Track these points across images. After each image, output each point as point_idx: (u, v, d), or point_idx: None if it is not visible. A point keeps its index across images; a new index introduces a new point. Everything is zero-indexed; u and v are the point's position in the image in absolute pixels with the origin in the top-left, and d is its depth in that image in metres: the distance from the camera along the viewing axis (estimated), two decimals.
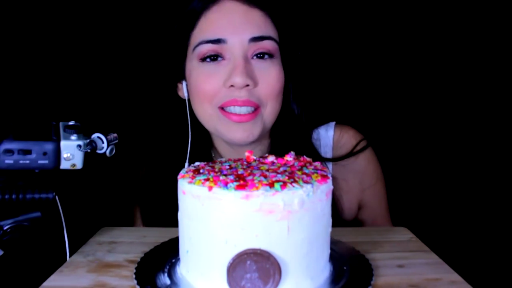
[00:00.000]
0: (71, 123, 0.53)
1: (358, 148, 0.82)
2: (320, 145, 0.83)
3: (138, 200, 0.85)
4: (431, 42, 1.60)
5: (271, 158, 0.52)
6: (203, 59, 0.71)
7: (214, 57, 0.71)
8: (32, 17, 1.33)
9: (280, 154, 0.55)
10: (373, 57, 1.58)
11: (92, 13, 1.40)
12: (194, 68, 0.73)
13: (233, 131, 0.72)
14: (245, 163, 0.52)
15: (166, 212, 0.76)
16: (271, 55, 0.72)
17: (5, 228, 0.50)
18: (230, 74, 0.69)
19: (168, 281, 0.47)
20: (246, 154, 0.54)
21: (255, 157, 0.54)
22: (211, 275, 0.43)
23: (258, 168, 0.48)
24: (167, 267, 0.50)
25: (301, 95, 0.79)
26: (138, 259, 0.52)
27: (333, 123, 0.86)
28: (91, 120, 0.65)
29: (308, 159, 0.53)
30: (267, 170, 0.47)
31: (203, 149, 0.81)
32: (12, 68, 1.28)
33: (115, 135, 0.57)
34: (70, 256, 0.55)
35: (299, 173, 0.45)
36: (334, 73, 1.52)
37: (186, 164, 0.75)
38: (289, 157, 0.53)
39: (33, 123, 0.55)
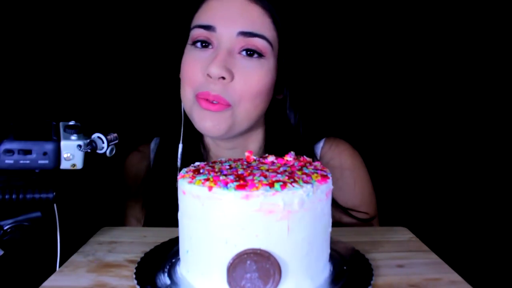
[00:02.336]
0: (71, 123, 0.53)
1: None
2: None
3: (142, 193, 0.84)
4: (430, 42, 1.60)
5: (271, 158, 0.53)
6: (194, 43, 0.71)
7: (205, 44, 0.71)
8: (32, 17, 1.33)
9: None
10: (373, 60, 1.58)
11: (91, 12, 1.40)
12: (187, 50, 0.73)
13: (203, 120, 0.70)
14: (245, 163, 0.52)
15: (166, 202, 0.76)
16: (260, 55, 0.70)
17: (5, 228, 0.50)
18: (209, 63, 0.68)
19: (168, 281, 0.47)
20: (246, 154, 0.54)
21: (255, 157, 0.54)
22: (211, 275, 0.43)
23: (258, 168, 0.48)
24: (167, 267, 0.50)
25: (299, 103, 0.76)
26: (138, 259, 0.52)
27: (324, 137, 0.84)
28: (91, 120, 0.65)
29: (308, 159, 0.53)
30: (267, 170, 0.47)
31: (194, 143, 0.80)
32: (12, 68, 1.28)
33: (115, 135, 0.57)
34: (63, 257, 0.55)
35: (299, 173, 0.46)
36: (334, 77, 1.51)
37: (180, 146, 0.76)
38: (289, 157, 0.53)
39: (33, 123, 0.55)
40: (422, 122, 1.63)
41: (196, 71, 0.70)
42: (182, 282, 0.46)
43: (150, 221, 0.80)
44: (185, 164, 0.74)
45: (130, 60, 1.45)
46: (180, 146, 0.77)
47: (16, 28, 1.31)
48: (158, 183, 0.80)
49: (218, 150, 0.80)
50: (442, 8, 1.54)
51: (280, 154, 0.56)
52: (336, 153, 0.81)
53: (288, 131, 0.77)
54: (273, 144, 0.78)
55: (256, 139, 0.80)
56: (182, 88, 0.74)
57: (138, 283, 0.46)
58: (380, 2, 1.53)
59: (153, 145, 0.89)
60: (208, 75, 0.68)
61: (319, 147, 0.83)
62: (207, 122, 0.70)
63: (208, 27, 0.69)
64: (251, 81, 0.69)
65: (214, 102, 0.69)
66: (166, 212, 0.73)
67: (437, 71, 1.62)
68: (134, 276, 0.48)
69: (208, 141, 0.81)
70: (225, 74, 0.67)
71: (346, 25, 1.54)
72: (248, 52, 0.69)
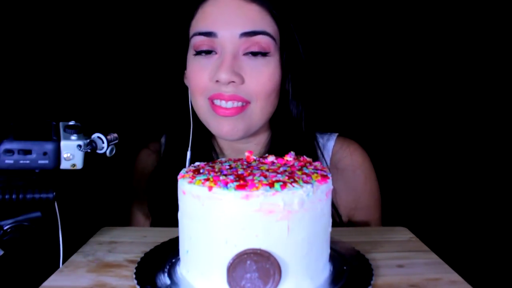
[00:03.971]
0: (71, 123, 0.53)
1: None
2: (320, 153, 0.82)
3: (147, 192, 0.83)
4: (431, 42, 1.60)
5: (271, 158, 0.53)
6: (197, 53, 0.71)
7: (208, 51, 0.70)
8: (32, 17, 1.33)
9: (278, 154, 0.55)
10: (374, 57, 1.58)
11: (92, 13, 1.40)
12: (190, 59, 0.74)
13: (219, 126, 0.71)
14: (245, 163, 0.52)
15: (170, 205, 0.77)
16: (265, 53, 0.70)
17: (5, 228, 0.50)
18: (217, 69, 0.69)
19: (168, 281, 0.47)
20: (246, 154, 0.54)
21: (255, 157, 0.54)
22: (211, 275, 0.43)
23: (258, 168, 0.48)
24: (167, 267, 0.50)
25: (301, 96, 0.77)
26: (138, 259, 0.52)
27: (336, 134, 0.85)
28: (91, 120, 0.65)
29: (308, 159, 0.53)
30: (267, 170, 0.47)
31: (204, 141, 0.81)
32: (12, 68, 1.28)
33: (115, 135, 0.57)
34: (63, 257, 0.55)
35: (299, 173, 0.46)
36: (336, 74, 1.51)
37: (188, 153, 0.75)
38: (289, 157, 0.53)
39: (33, 123, 0.55)
40: (421, 121, 1.63)
41: (205, 79, 0.71)
42: (182, 282, 0.46)
43: (156, 223, 0.80)
44: None
45: (130, 60, 1.45)
46: (189, 153, 0.76)
47: (16, 28, 1.31)
48: (162, 188, 0.79)
49: (232, 148, 0.80)
50: (454, 6, 1.54)
51: (285, 145, 0.55)
52: (347, 153, 0.82)
53: (291, 122, 0.78)
54: (278, 136, 0.79)
55: (265, 131, 0.80)
56: (193, 97, 0.75)
57: (138, 283, 0.46)
58: None
59: (163, 141, 0.89)
60: (217, 81, 0.69)
61: (331, 145, 0.83)
62: (224, 127, 0.71)
63: (209, 34, 0.69)
64: (263, 81, 0.70)
65: (229, 105, 0.69)
66: (171, 216, 0.73)
67: (437, 69, 1.62)
68: (134, 276, 0.48)
69: (221, 141, 0.82)
70: (234, 78, 0.68)
71: (346, 15, 1.53)
72: (253, 52, 0.69)
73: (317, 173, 0.46)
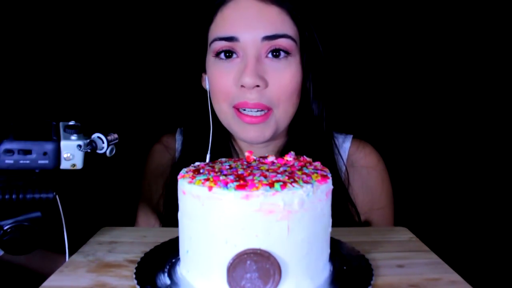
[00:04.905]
0: (71, 123, 0.53)
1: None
2: (337, 152, 0.83)
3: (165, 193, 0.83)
4: (434, 41, 1.60)
5: (271, 158, 0.53)
6: (217, 55, 0.71)
7: (229, 54, 0.70)
8: (32, 17, 1.33)
9: (298, 151, 0.55)
10: (386, 60, 1.58)
11: (92, 13, 1.40)
12: (211, 63, 0.73)
13: (245, 131, 0.72)
14: (245, 163, 0.52)
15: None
16: (287, 53, 0.70)
17: (5, 228, 0.50)
18: (241, 74, 0.68)
19: (168, 281, 0.47)
20: (246, 154, 0.54)
21: (255, 157, 0.54)
22: (211, 275, 0.43)
23: (258, 168, 0.48)
24: (167, 267, 0.50)
25: (321, 95, 0.77)
26: (138, 259, 0.52)
27: (351, 135, 0.85)
28: (91, 120, 0.65)
29: (308, 159, 0.53)
30: (267, 170, 0.47)
31: (222, 142, 0.81)
32: (12, 68, 1.28)
33: (115, 135, 0.57)
34: (69, 256, 0.55)
35: (299, 173, 0.45)
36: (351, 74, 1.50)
37: (208, 155, 0.75)
38: (289, 157, 0.53)
39: (33, 123, 0.55)
40: (421, 121, 1.63)
41: (229, 84, 0.70)
42: (182, 282, 0.46)
43: (167, 221, 0.79)
44: None
45: (130, 59, 1.45)
46: (208, 156, 0.75)
47: (16, 28, 1.31)
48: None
49: (252, 149, 0.79)
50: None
51: (304, 143, 0.53)
52: (363, 154, 0.83)
53: (311, 121, 0.78)
54: (299, 135, 0.79)
55: (284, 131, 0.80)
56: (216, 102, 0.74)
57: (138, 283, 0.46)
58: None
59: (178, 136, 0.89)
60: (242, 86, 0.68)
61: (347, 146, 0.84)
62: (250, 133, 0.71)
63: (230, 39, 0.69)
64: (285, 82, 0.70)
65: (254, 111, 0.69)
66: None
67: (432, 69, 1.62)
68: (134, 276, 0.48)
69: (241, 141, 0.81)
70: (259, 82, 0.68)
71: (363, 15, 1.53)
72: (275, 53, 0.69)
73: (317, 173, 0.46)
